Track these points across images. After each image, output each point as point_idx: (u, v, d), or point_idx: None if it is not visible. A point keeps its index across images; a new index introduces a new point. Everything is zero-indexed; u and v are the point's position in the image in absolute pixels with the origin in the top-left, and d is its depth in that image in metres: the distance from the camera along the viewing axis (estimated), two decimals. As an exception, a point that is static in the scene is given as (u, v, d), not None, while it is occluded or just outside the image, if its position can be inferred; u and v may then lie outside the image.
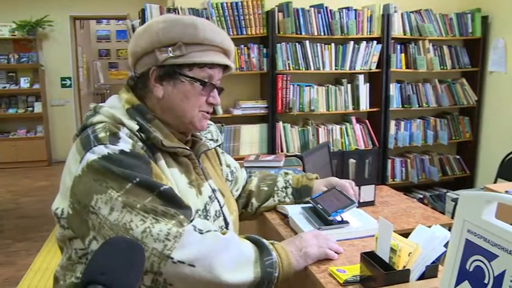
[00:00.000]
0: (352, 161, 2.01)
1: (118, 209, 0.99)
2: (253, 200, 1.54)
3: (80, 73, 8.02)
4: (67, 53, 7.28)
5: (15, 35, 6.85)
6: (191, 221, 1.05)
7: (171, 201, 1.04)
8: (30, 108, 7.09)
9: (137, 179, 1.01)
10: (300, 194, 1.53)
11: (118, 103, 1.18)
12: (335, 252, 1.19)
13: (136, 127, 1.11)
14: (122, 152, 1.04)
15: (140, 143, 1.10)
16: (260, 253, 1.08)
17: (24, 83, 6.95)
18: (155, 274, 0.97)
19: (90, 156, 1.03)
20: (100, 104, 1.20)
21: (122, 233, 0.98)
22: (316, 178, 1.57)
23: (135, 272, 0.79)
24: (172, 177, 1.14)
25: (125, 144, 1.06)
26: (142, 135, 1.11)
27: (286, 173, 1.61)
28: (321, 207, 1.37)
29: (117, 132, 1.07)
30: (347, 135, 4.06)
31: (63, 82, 7.32)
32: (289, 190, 1.54)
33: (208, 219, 1.18)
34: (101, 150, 1.03)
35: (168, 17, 1.18)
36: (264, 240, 1.13)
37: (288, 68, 3.80)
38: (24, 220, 4.65)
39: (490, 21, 4.34)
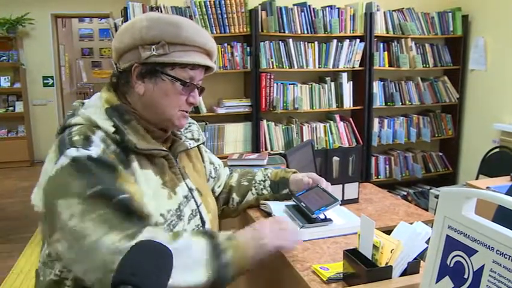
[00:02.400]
0: (336, 158, 2.01)
1: (76, 215, 1.01)
2: (234, 195, 1.55)
3: (63, 72, 7.93)
4: (48, 52, 7.17)
5: (-6, 33, 6.74)
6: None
7: (128, 213, 1.05)
8: (11, 108, 6.97)
9: (98, 188, 1.02)
10: (278, 186, 1.54)
11: (98, 102, 1.18)
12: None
13: (112, 129, 1.11)
14: (89, 158, 1.05)
15: (113, 146, 1.10)
16: (213, 253, 1.09)
17: (4, 82, 6.83)
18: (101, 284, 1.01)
19: (62, 160, 1.05)
20: (84, 102, 1.20)
21: (78, 239, 1.01)
22: (296, 173, 1.58)
23: (164, 275, 0.81)
24: (145, 179, 1.14)
25: (96, 148, 1.07)
26: (117, 137, 1.11)
27: (266, 169, 1.63)
28: (304, 205, 1.38)
29: (90, 136, 1.08)
30: (331, 133, 4.08)
31: (45, 81, 7.21)
32: (267, 182, 1.55)
33: (181, 219, 1.18)
34: (72, 154, 1.04)
35: (152, 16, 1.18)
36: (220, 238, 1.12)
37: (271, 67, 3.80)
38: (5, 222, 4.58)
39: (470, 20, 4.39)
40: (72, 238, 1.01)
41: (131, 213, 1.05)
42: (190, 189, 1.26)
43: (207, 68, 1.24)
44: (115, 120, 1.13)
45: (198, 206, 1.26)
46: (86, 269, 1.03)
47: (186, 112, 1.23)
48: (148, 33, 1.13)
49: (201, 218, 1.26)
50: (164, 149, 1.21)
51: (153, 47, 1.13)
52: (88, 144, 1.06)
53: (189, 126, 1.41)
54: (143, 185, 1.13)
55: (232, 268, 1.09)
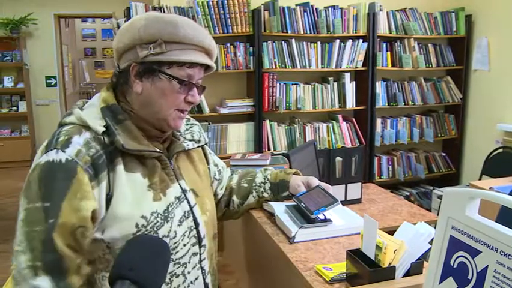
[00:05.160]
0: (338, 159, 2.01)
1: (21, 218, 1.04)
2: (234, 197, 1.54)
3: (66, 72, 7.95)
4: (51, 52, 7.19)
5: (-3, 33, 6.76)
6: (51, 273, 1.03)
7: (48, 243, 1.03)
8: (14, 108, 7.00)
9: (46, 204, 1.03)
10: (278, 188, 1.53)
11: (96, 101, 1.19)
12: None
13: (101, 129, 1.11)
14: (59, 164, 1.05)
15: (94, 150, 1.09)
16: None
17: (8, 82, 6.85)
18: None
19: (42, 159, 1.07)
20: (87, 101, 1.21)
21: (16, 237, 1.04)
22: (297, 173, 1.57)
23: (161, 269, 0.81)
24: (129, 181, 1.13)
25: (71, 150, 1.06)
26: (105, 138, 1.11)
27: (266, 169, 1.61)
28: (304, 205, 1.37)
29: (71, 138, 1.08)
30: (334, 133, 4.08)
31: (48, 81, 7.24)
32: (268, 185, 1.54)
33: (168, 221, 1.17)
34: (49, 156, 1.06)
35: (151, 15, 1.18)
36: None
37: (274, 67, 3.80)
38: (7, 222, 4.59)
39: (474, 20, 4.38)
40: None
41: (50, 243, 1.03)
42: (184, 191, 1.24)
43: (207, 67, 1.23)
44: (107, 119, 1.13)
45: (191, 208, 1.24)
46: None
47: (183, 113, 1.22)
48: (146, 32, 1.13)
49: (194, 219, 1.24)
50: (156, 150, 1.19)
51: (151, 45, 1.13)
52: (66, 146, 1.07)
53: (190, 127, 1.39)
54: (126, 187, 1.12)
55: None
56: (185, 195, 1.24)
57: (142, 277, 0.76)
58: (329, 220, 1.35)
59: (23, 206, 1.05)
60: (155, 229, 1.13)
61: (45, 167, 1.05)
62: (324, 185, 1.49)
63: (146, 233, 1.12)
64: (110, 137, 1.12)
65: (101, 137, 1.11)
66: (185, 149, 1.31)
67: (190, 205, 1.24)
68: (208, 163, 1.46)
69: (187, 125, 1.39)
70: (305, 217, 1.35)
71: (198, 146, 1.38)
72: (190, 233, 1.22)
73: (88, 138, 1.10)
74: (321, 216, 1.34)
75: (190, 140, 1.34)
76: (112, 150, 1.12)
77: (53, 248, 1.02)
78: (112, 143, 1.12)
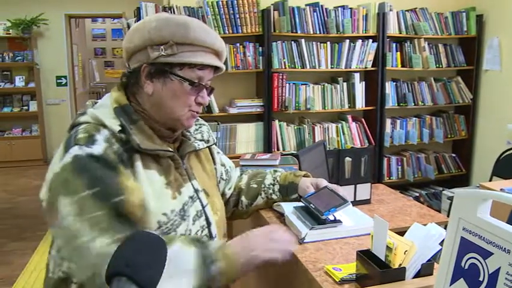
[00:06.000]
0: (348, 159, 2.01)
1: (72, 214, 1.02)
2: (243, 198, 1.54)
3: (76, 72, 8.01)
4: (62, 52, 7.26)
5: (9, 34, 6.82)
6: None
7: (120, 217, 1.05)
8: (25, 107, 7.08)
9: (96, 189, 1.03)
10: (287, 190, 1.53)
11: (108, 101, 1.20)
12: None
13: (118, 128, 1.12)
14: (91, 155, 1.06)
15: (116, 146, 1.11)
16: (202, 264, 1.07)
17: (19, 81, 6.92)
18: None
19: (66, 157, 1.06)
20: (97, 102, 1.22)
21: (71, 238, 1.02)
22: (306, 176, 1.57)
23: (158, 265, 0.82)
24: (148, 179, 1.15)
25: (98, 146, 1.08)
26: (123, 136, 1.12)
27: (275, 171, 1.61)
28: (313, 206, 1.37)
29: (94, 135, 1.09)
30: (343, 134, 4.07)
31: (58, 81, 7.29)
32: (276, 187, 1.54)
33: (185, 219, 1.18)
34: (74, 151, 1.06)
35: (161, 16, 1.19)
36: (211, 248, 1.11)
37: (283, 67, 3.80)
38: (20, 220, 4.64)
39: (485, 20, 4.35)
40: (66, 236, 1.03)
41: (123, 218, 1.05)
42: (196, 190, 1.26)
43: (216, 68, 1.24)
44: (122, 120, 1.14)
45: (203, 207, 1.25)
46: (75, 268, 1.06)
47: (196, 112, 1.24)
48: (157, 33, 1.14)
49: (207, 219, 1.25)
50: (170, 149, 1.21)
51: (162, 47, 1.14)
52: (91, 143, 1.08)
53: (199, 128, 1.40)
54: (146, 184, 1.13)
55: (220, 279, 1.09)
56: (197, 195, 1.25)
57: (138, 273, 0.77)
58: (339, 221, 1.35)
59: (69, 204, 1.03)
60: (174, 227, 1.15)
61: (78, 161, 1.05)
62: (332, 186, 1.48)
63: (165, 231, 1.13)
64: (125, 136, 1.13)
65: (118, 135, 1.12)
66: (196, 149, 1.32)
67: (202, 205, 1.25)
68: (214, 163, 1.47)
69: (196, 125, 1.40)
70: (315, 218, 1.35)
71: (207, 146, 1.39)
72: (202, 232, 1.23)
73: (108, 136, 1.11)
74: (331, 217, 1.34)
75: (200, 140, 1.36)
76: (129, 148, 1.13)
77: (128, 221, 1.04)
78: (127, 141, 1.13)
